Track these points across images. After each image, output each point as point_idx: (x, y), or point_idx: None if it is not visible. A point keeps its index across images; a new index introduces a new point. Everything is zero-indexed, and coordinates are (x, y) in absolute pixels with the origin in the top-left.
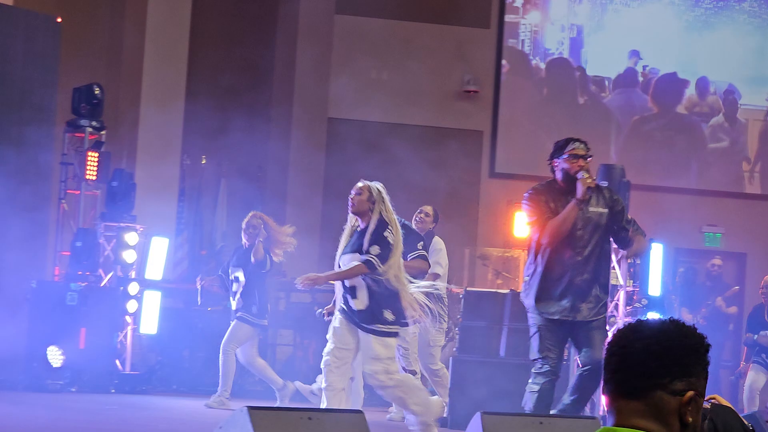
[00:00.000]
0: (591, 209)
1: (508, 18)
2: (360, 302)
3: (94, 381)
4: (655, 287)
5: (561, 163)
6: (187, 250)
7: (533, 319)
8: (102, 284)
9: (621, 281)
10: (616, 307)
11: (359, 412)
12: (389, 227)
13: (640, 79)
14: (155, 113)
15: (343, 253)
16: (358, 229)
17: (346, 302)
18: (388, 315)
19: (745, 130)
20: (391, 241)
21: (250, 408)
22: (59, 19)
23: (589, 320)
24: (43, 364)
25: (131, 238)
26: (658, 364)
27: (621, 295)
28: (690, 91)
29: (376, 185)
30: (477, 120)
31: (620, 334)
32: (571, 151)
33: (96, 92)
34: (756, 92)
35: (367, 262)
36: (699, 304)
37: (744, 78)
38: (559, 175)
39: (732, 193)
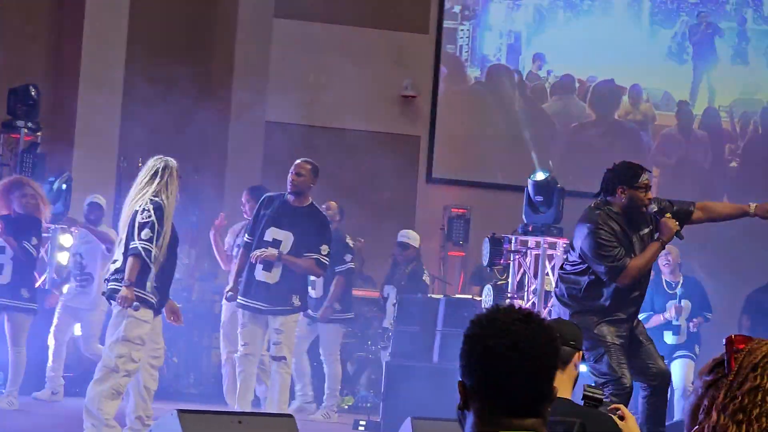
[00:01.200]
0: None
1: (447, 24)
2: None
3: (25, 381)
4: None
5: (630, 192)
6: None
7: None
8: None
9: (554, 286)
10: (550, 313)
11: (289, 416)
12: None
13: (577, 85)
14: (92, 115)
15: None
16: None
17: None
18: None
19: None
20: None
21: (180, 411)
22: None
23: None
24: None
25: (65, 239)
26: (547, 385)
27: (554, 302)
28: (626, 99)
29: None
30: (415, 125)
31: (495, 351)
32: (643, 183)
33: (32, 93)
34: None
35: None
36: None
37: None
38: (622, 202)
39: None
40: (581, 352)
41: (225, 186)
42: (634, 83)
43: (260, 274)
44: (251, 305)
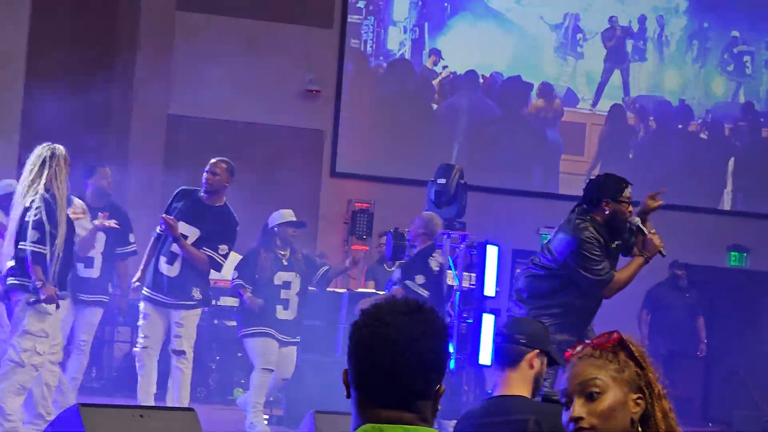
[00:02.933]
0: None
1: (351, 18)
2: None
3: None
4: (490, 288)
5: (614, 206)
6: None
7: None
8: None
9: (457, 281)
10: (453, 307)
11: (191, 409)
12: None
13: (481, 81)
14: None
15: None
16: None
17: None
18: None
19: (585, 135)
20: None
21: (81, 405)
22: None
23: None
24: None
25: None
26: (420, 381)
27: (457, 296)
28: (534, 95)
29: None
30: (318, 119)
31: (368, 342)
32: (627, 196)
33: None
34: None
35: None
36: None
37: (588, 83)
38: (605, 215)
39: (569, 196)
40: (537, 351)
41: (130, 180)
42: (543, 80)
43: (163, 266)
44: (153, 297)
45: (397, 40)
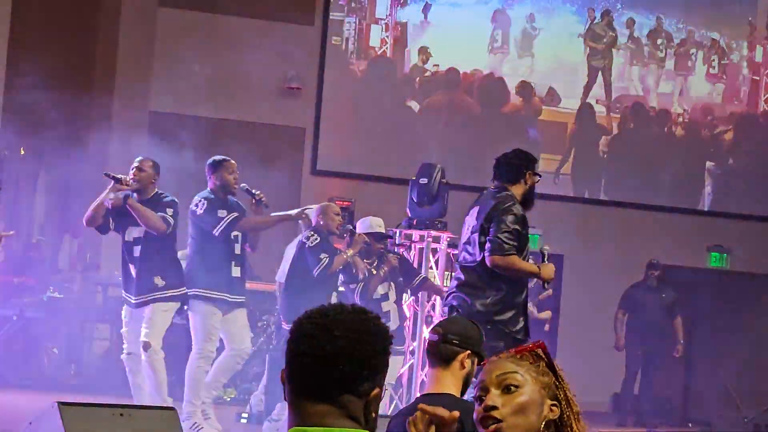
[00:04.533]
0: None
1: (333, 15)
2: None
3: None
4: None
5: (532, 177)
6: (3, 243)
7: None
8: None
9: (438, 281)
10: (434, 307)
11: (171, 408)
12: None
13: (462, 79)
14: None
15: None
16: None
17: None
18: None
19: (564, 133)
20: None
21: (60, 404)
22: None
23: None
24: None
25: None
26: (349, 370)
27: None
28: (513, 94)
29: None
30: (299, 117)
31: (310, 331)
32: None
33: None
34: (573, 95)
35: None
36: None
37: (564, 81)
38: (525, 188)
39: (549, 195)
40: (469, 351)
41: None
42: (521, 79)
43: (131, 269)
44: (126, 299)
45: (378, 38)
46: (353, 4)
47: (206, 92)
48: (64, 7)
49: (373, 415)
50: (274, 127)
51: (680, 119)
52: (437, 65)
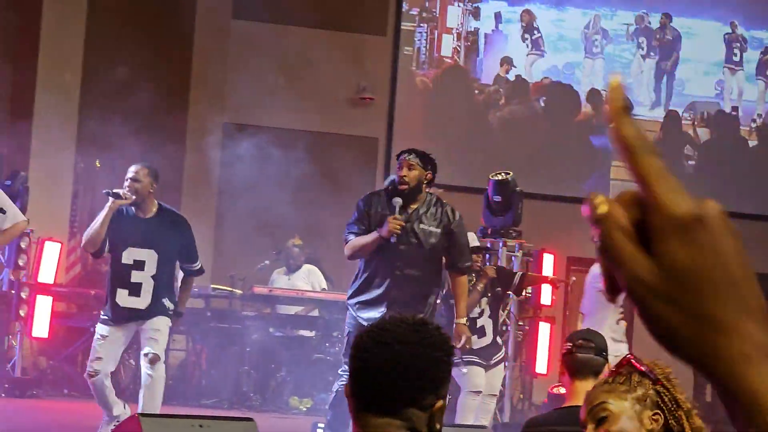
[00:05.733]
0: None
1: (404, 26)
2: None
3: None
4: (546, 296)
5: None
6: (80, 254)
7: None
8: None
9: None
10: (508, 315)
11: (250, 420)
12: None
13: (533, 88)
14: (49, 115)
15: None
16: None
17: None
18: None
19: None
20: None
21: (141, 415)
22: None
23: None
24: None
25: (23, 241)
26: (411, 383)
27: (512, 304)
28: (584, 102)
29: None
30: (372, 127)
31: (370, 346)
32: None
33: None
34: (654, 103)
35: None
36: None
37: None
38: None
39: None
40: (608, 363)
41: (182, 188)
42: (592, 86)
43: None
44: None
45: (449, 47)
46: (425, 14)
47: (279, 103)
48: (138, 21)
49: (438, 427)
50: (347, 137)
51: (763, 126)
52: (508, 73)
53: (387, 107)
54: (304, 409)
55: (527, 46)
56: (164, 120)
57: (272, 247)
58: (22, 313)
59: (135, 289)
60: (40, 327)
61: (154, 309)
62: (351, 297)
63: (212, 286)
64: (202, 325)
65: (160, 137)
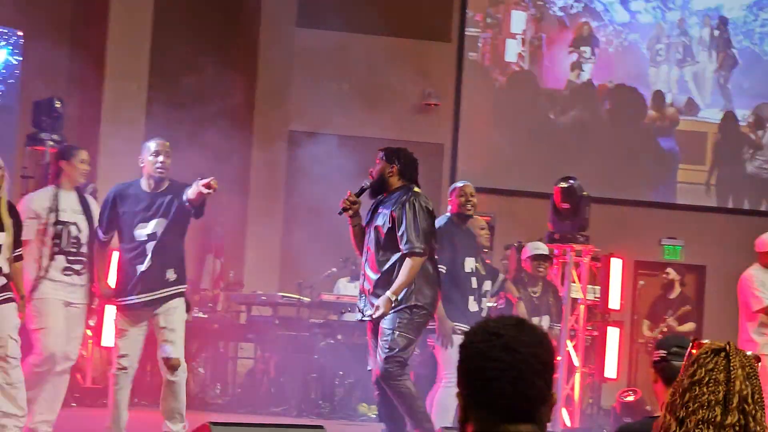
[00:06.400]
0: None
1: (469, 31)
2: None
3: None
4: (615, 301)
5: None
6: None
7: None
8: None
9: (581, 294)
10: (577, 320)
11: (320, 427)
12: None
13: (599, 91)
14: (116, 127)
15: None
16: None
17: None
18: None
19: (704, 143)
20: None
21: (212, 423)
22: (20, 33)
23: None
24: None
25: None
26: (540, 384)
27: (582, 309)
28: (649, 104)
29: None
30: (438, 133)
31: (494, 355)
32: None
33: (57, 106)
34: (713, 105)
35: None
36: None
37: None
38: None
39: (689, 206)
40: None
41: (249, 195)
42: (657, 89)
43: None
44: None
45: (514, 52)
46: (489, 20)
47: (344, 110)
48: (203, 32)
49: (550, 419)
50: (413, 143)
51: None
52: (577, 78)
53: (452, 113)
54: (373, 415)
55: (591, 49)
56: (230, 129)
57: (339, 254)
58: (91, 322)
59: None
60: (110, 336)
61: None
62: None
63: (280, 293)
64: (270, 333)
65: (226, 147)
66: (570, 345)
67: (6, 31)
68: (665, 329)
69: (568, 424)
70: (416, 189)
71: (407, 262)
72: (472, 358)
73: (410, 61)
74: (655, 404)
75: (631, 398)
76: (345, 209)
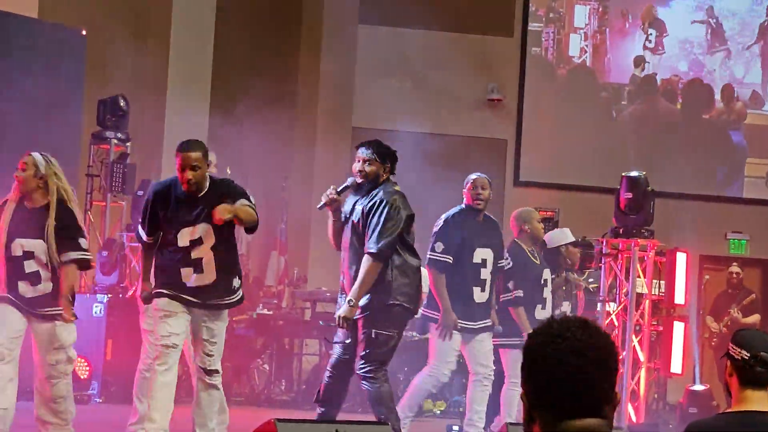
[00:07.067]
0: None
1: (532, 26)
2: None
3: (121, 392)
4: (680, 295)
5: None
6: None
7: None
8: (128, 295)
9: (646, 289)
10: (642, 315)
11: (385, 423)
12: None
13: (663, 85)
14: (180, 125)
15: None
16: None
17: None
18: None
19: None
20: None
21: (278, 420)
22: (84, 32)
23: None
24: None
25: None
26: (607, 383)
27: (646, 304)
28: (716, 98)
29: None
30: (501, 128)
31: (562, 357)
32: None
33: (121, 104)
34: None
35: None
36: (722, 313)
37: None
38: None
39: (756, 200)
40: None
41: (313, 192)
42: (726, 82)
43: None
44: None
45: (577, 46)
46: (552, 15)
47: (407, 107)
48: (265, 31)
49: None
50: (476, 139)
51: None
52: (641, 72)
53: (515, 108)
54: (438, 411)
55: (655, 43)
56: (294, 127)
57: None
58: None
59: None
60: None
61: None
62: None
63: None
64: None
65: (290, 145)
66: (635, 340)
67: (70, 29)
68: (729, 322)
69: (634, 419)
70: (396, 187)
71: (365, 262)
72: (535, 360)
73: (473, 57)
74: (721, 399)
75: (698, 388)
76: (326, 204)
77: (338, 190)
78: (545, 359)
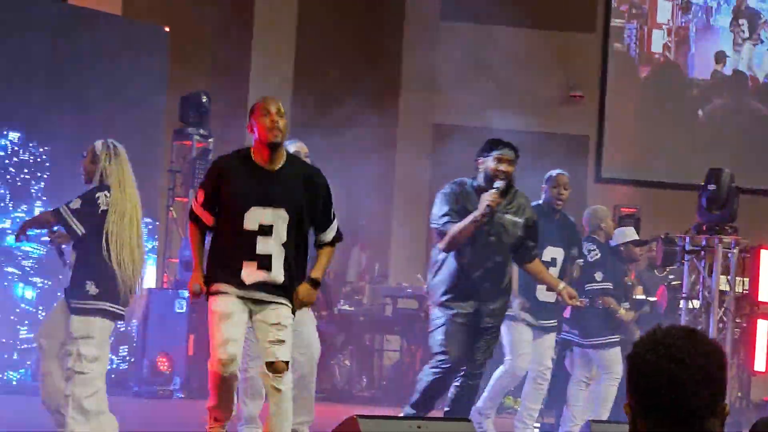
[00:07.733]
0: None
1: (614, 22)
2: None
3: (203, 387)
4: (764, 293)
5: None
6: None
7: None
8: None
9: (729, 287)
10: (726, 313)
11: (468, 420)
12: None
13: (749, 83)
14: None
15: None
16: None
17: None
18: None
19: None
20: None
21: (359, 416)
22: (167, 29)
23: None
24: (153, 371)
25: None
26: (709, 394)
27: (730, 301)
28: None
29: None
30: (583, 125)
31: (662, 365)
32: (499, 155)
33: (203, 100)
34: None
35: None
36: None
37: None
38: (477, 173)
39: None
40: None
41: (394, 188)
42: None
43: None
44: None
45: (660, 42)
46: (634, 11)
47: (488, 103)
48: (347, 28)
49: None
50: (557, 135)
51: None
52: (725, 68)
53: (597, 105)
54: (518, 407)
55: (740, 39)
56: (375, 124)
57: None
58: None
59: None
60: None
61: None
62: (444, 293)
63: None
64: (416, 326)
65: (371, 140)
66: (718, 338)
67: (153, 27)
68: None
69: None
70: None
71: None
72: (638, 368)
73: (554, 53)
74: None
75: None
76: (493, 207)
77: (501, 193)
78: (645, 366)
